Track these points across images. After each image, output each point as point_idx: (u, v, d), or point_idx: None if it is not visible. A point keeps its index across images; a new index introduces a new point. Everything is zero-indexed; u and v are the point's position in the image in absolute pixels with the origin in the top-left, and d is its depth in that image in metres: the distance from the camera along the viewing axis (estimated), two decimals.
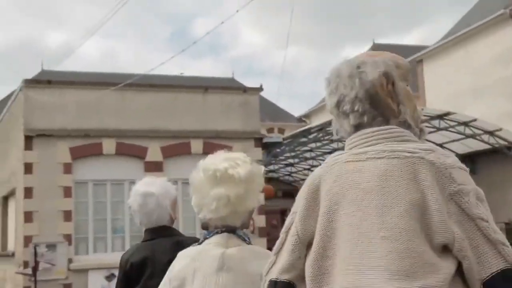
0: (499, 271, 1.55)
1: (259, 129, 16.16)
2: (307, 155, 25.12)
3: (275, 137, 18.06)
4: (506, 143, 18.63)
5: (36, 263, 12.40)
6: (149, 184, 3.33)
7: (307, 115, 36.25)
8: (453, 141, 20.10)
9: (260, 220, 16.16)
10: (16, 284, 14.83)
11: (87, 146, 14.70)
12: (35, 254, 12.46)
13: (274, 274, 1.78)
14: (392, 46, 34.75)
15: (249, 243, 2.47)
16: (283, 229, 1.82)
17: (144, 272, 3.14)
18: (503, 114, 19.29)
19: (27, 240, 13.66)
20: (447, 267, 1.56)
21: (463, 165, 1.68)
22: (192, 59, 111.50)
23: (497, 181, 19.59)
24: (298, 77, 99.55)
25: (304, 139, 18.71)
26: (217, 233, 2.38)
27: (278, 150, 18.39)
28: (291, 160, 25.27)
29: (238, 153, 2.49)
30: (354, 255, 1.60)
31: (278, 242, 1.82)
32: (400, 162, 1.63)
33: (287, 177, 29.54)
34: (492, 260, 1.56)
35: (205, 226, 2.46)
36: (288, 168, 27.59)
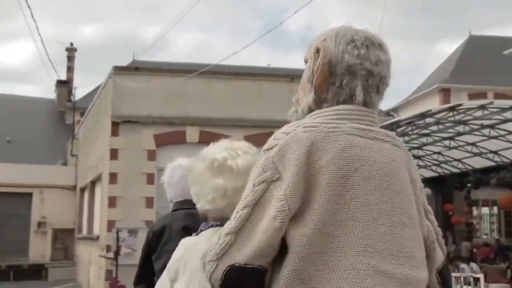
0: (444, 259, 1.69)
1: None
2: None
3: None
4: None
5: (118, 247, 12.47)
6: (181, 160, 3.42)
7: (395, 109, 35.17)
8: None
9: None
10: (99, 267, 15.10)
11: (171, 134, 14.70)
12: (117, 238, 12.54)
13: (238, 259, 1.48)
14: (489, 37, 33.02)
15: None
16: (247, 202, 1.52)
17: (161, 239, 3.33)
18: None
19: (110, 224, 13.84)
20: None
21: None
22: (282, 53, 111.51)
23: None
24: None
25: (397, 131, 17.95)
26: (212, 226, 2.22)
27: None
28: None
29: (242, 142, 2.30)
30: (373, 237, 1.48)
31: (236, 219, 1.51)
32: (400, 152, 1.64)
33: None
34: (440, 251, 1.69)
35: (204, 217, 2.31)
36: None
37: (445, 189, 26.58)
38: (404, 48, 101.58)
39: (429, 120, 17.09)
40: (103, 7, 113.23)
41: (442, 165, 25.17)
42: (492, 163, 22.55)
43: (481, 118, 17.25)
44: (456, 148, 21.92)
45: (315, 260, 1.45)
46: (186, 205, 3.28)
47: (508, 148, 21.07)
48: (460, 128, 19.07)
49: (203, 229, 2.27)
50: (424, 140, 21.51)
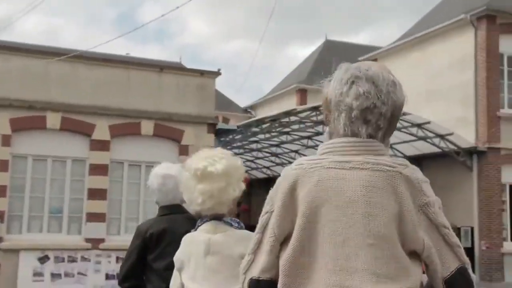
0: (455, 269, 1.79)
1: (213, 115, 15.54)
2: (253, 146, 24.74)
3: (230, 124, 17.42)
4: (455, 147, 18.71)
5: None
6: (168, 168, 3.84)
7: (253, 107, 35.89)
8: (403, 142, 20.09)
9: None
10: None
11: (29, 118, 13.71)
12: None
13: (255, 273, 1.89)
14: (345, 44, 34.74)
15: (239, 227, 2.75)
16: (258, 229, 1.92)
17: (162, 240, 3.63)
18: (456, 119, 19.37)
19: None
20: (418, 270, 1.80)
21: (426, 178, 1.91)
22: (137, 44, 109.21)
23: (442, 186, 19.68)
24: (242, 70, 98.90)
25: (256, 129, 18.21)
26: (206, 221, 2.69)
27: (228, 138, 17.86)
28: (236, 151, 24.80)
29: (217, 149, 2.75)
30: (341, 257, 1.74)
31: (253, 242, 1.93)
32: (382, 175, 1.78)
33: None
34: (450, 261, 1.80)
35: (198, 216, 2.77)
36: None
37: None
38: (260, 49, 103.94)
39: (292, 118, 17.55)
40: None
41: None
42: None
43: None
44: (312, 147, 22.78)
45: (299, 275, 1.80)
46: (176, 209, 3.81)
47: None
48: (320, 128, 19.81)
49: (199, 224, 2.72)
50: (284, 138, 22.10)
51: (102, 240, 14.21)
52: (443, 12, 22.30)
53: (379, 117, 1.85)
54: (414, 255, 1.81)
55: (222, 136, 16.63)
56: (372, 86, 1.85)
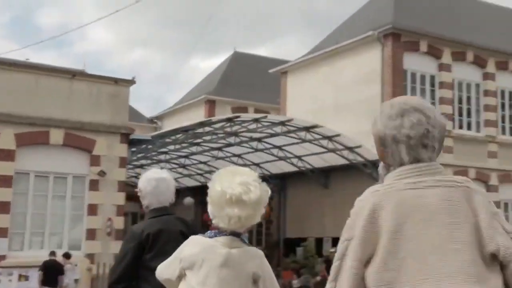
0: None
1: (127, 124, 15.10)
2: (162, 157, 24.33)
3: (144, 134, 16.99)
4: (363, 159, 19.27)
5: None
6: (160, 172, 4.09)
7: (159, 117, 35.38)
8: (313, 154, 20.47)
9: (118, 222, 15.05)
10: None
11: None
12: None
13: None
14: (253, 56, 35.06)
15: (247, 244, 2.96)
16: (337, 257, 2.03)
17: (159, 240, 3.82)
18: (363, 132, 19.90)
19: None
20: (498, 274, 1.93)
21: None
22: (33, 51, 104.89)
23: (349, 196, 20.12)
24: (146, 79, 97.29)
25: (169, 140, 17.90)
26: (225, 234, 2.84)
27: (139, 148, 17.42)
28: (143, 161, 24.28)
29: (250, 174, 2.85)
30: (430, 265, 1.87)
31: (333, 270, 2.02)
32: (456, 190, 1.98)
33: (133, 179, 28.15)
34: None
35: (214, 228, 2.90)
36: (138, 170, 26.44)
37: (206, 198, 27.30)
38: (164, 59, 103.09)
39: (207, 129, 17.40)
40: None
41: (206, 174, 25.83)
42: None
43: (254, 130, 18.10)
44: (223, 158, 22.70)
45: None
46: (166, 211, 4.02)
47: (269, 161, 22.47)
48: (232, 139, 19.79)
49: (217, 235, 2.86)
50: (194, 149, 21.89)
51: (3, 257, 13.41)
52: (350, 29, 22.99)
53: (433, 140, 2.07)
54: (494, 259, 1.95)
55: (134, 147, 16.19)
56: (421, 115, 2.07)
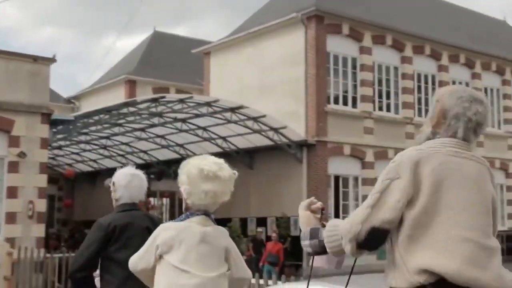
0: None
1: (48, 104, 14.51)
2: (82, 138, 23.63)
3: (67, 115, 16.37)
4: (287, 141, 19.48)
5: None
6: (134, 169, 4.25)
7: (77, 97, 34.26)
8: (238, 135, 20.48)
9: (40, 205, 14.48)
10: None
11: None
12: None
13: (375, 223, 2.37)
14: (173, 36, 34.51)
15: (215, 223, 3.23)
16: (377, 191, 2.41)
17: (125, 233, 3.96)
18: (287, 113, 20.12)
19: None
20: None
21: None
22: None
23: (274, 177, 20.44)
24: (57, 58, 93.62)
25: (92, 120, 17.36)
26: (197, 215, 3.11)
27: (58, 128, 16.77)
28: (61, 143, 23.48)
29: (218, 159, 3.18)
30: (460, 218, 2.35)
31: (372, 199, 2.41)
32: (482, 166, 2.51)
33: (50, 160, 27.12)
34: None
35: (187, 208, 3.16)
36: (56, 151, 25.57)
37: None
38: (76, 39, 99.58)
39: (131, 109, 17.00)
40: None
41: (128, 155, 25.34)
42: (177, 156, 23.56)
43: (179, 111, 17.87)
44: (146, 139, 22.32)
45: (421, 229, 2.35)
46: (135, 206, 4.16)
47: (194, 142, 22.30)
48: (156, 120, 19.46)
49: (190, 216, 3.11)
50: (116, 130, 21.38)
51: None
52: (274, 10, 23.06)
53: (481, 131, 2.54)
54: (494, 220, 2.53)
55: (55, 127, 15.59)
56: (485, 109, 2.54)
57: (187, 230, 3.05)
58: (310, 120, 19.97)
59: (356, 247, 2.40)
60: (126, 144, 23.70)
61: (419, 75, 23.48)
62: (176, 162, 24.63)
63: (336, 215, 20.23)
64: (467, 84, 25.19)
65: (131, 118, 18.55)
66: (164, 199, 28.73)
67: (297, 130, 19.59)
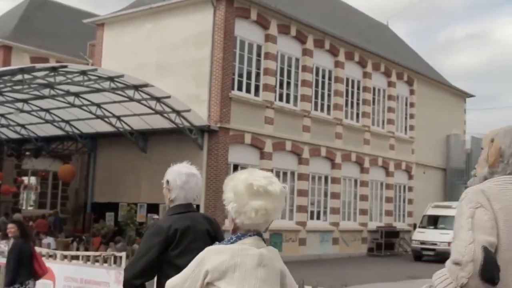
0: None
1: None
2: None
3: None
4: (189, 124, 18.54)
5: None
6: (190, 168, 3.91)
7: None
8: (134, 115, 19.21)
9: None
10: None
11: None
12: None
13: (484, 243, 2.32)
14: (52, 3, 31.90)
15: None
16: (467, 216, 2.40)
17: (186, 237, 3.71)
18: (188, 96, 19.13)
19: None
20: None
21: None
22: None
23: (168, 162, 19.21)
24: None
25: None
26: (249, 236, 2.75)
27: None
28: None
29: (268, 172, 2.86)
30: None
31: (469, 224, 2.37)
32: None
33: None
34: None
35: (235, 229, 2.79)
36: None
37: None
38: None
39: (26, 76, 15.13)
40: None
41: (2, 129, 22.95)
42: (61, 133, 21.72)
43: (78, 84, 16.30)
44: (28, 112, 20.25)
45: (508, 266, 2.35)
46: (191, 207, 3.91)
47: (82, 119, 20.64)
48: (46, 92, 17.67)
49: (241, 238, 2.73)
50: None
51: None
52: None
53: None
54: None
55: None
56: None
57: (242, 253, 2.72)
58: (213, 105, 19.17)
59: (478, 272, 2.26)
60: (2, 116, 21.38)
61: (317, 69, 23.53)
62: (58, 140, 22.92)
63: None
64: (359, 83, 25.81)
65: (18, 87, 16.58)
66: (36, 178, 26.53)
67: (201, 114, 18.71)
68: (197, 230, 3.79)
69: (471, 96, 34.82)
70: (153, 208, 19.71)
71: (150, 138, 20.43)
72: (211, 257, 2.73)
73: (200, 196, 18.16)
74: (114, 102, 18.42)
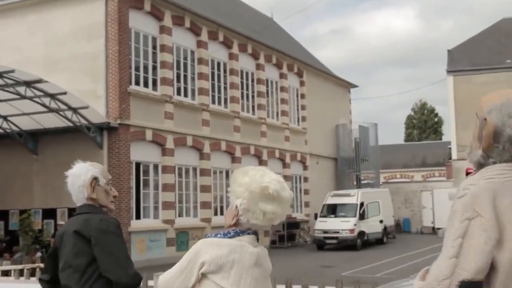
0: None
1: None
2: None
3: None
4: (86, 122, 17.32)
5: None
6: (88, 165, 3.59)
7: None
8: (23, 114, 17.67)
9: None
10: None
11: None
12: None
13: (466, 276, 1.94)
14: None
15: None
16: (457, 235, 2.00)
17: (61, 243, 3.50)
18: (82, 92, 17.83)
19: None
20: None
21: None
22: None
23: (64, 164, 17.87)
24: None
25: None
26: (248, 233, 2.74)
27: None
28: None
29: (278, 175, 2.77)
30: None
31: (455, 246, 1.98)
32: None
33: None
34: None
35: (235, 224, 2.74)
36: None
37: None
38: None
39: None
40: None
41: None
42: None
43: None
44: None
45: None
46: (79, 210, 3.49)
47: None
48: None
49: (240, 234, 2.70)
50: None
51: None
52: None
53: None
54: None
55: None
56: None
57: (240, 250, 2.69)
58: (111, 101, 18.07)
59: None
60: None
61: (213, 62, 23.04)
62: None
63: (137, 205, 18.73)
64: (253, 75, 25.63)
65: None
66: None
67: (98, 110, 17.57)
68: (67, 234, 3.51)
69: (355, 86, 35.98)
70: (49, 213, 18.25)
71: (41, 139, 18.91)
72: (207, 248, 2.65)
73: None
74: (1, 101, 16.80)
